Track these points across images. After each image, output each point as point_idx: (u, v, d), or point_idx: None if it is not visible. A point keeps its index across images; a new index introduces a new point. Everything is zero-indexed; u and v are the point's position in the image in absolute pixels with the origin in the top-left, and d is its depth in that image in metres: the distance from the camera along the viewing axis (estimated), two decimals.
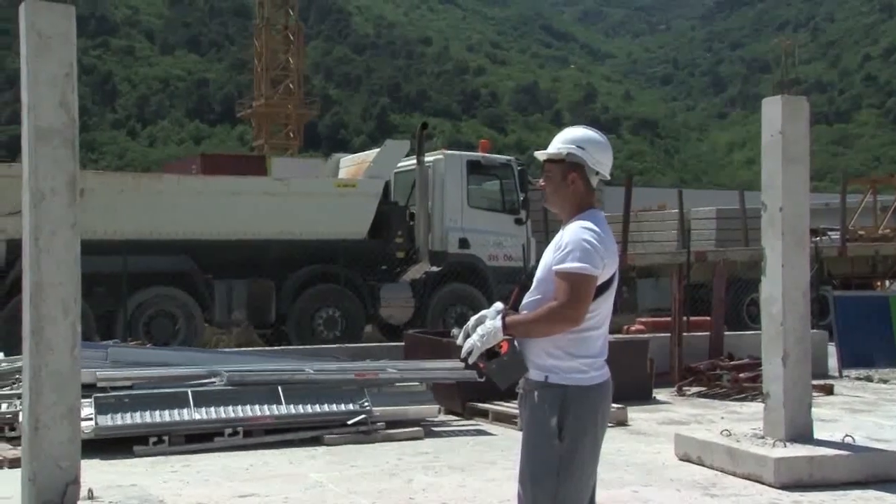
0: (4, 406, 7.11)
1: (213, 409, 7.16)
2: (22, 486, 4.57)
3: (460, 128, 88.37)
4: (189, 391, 7.20)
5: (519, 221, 14.63)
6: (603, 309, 3.12)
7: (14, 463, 5.91)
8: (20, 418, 6.49)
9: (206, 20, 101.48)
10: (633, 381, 9.03)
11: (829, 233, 18.83)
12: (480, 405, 8.29)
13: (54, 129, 4.65)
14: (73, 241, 4.67)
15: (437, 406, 7.98)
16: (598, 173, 3.20)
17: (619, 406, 7.76)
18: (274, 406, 7.30)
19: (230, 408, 7.21)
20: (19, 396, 6.71)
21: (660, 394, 9.81)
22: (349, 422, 7.33)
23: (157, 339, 11.94)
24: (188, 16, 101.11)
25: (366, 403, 7.46)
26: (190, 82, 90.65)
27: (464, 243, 14.32)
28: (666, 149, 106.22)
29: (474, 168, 14.68)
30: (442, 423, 8.05)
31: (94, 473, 5.51)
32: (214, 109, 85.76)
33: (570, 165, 3.17)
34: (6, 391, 7.20)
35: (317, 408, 7.40)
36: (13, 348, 7.71)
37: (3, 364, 7.58)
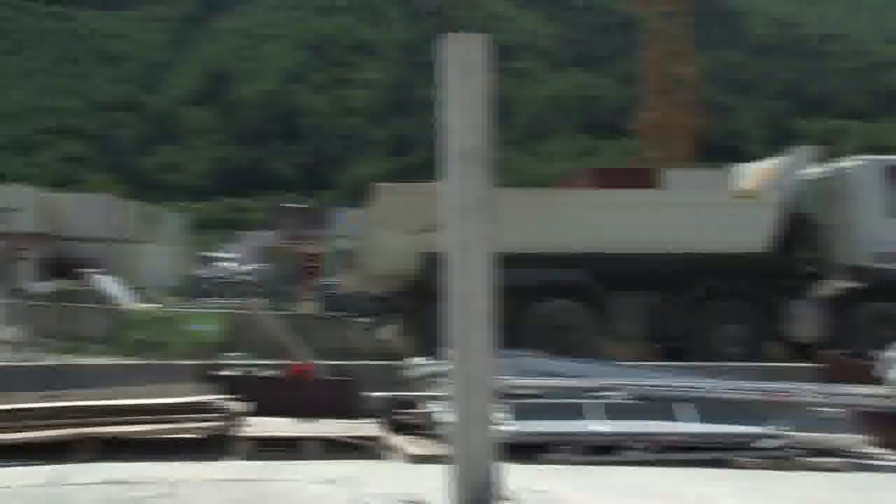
0: (429, 407, 7.72)
1: (615, 421, 7.16)
2: (448, 482, 4.90)
3: (878, 130, 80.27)
4: (593, 403, 7.27)
5: None
6: None
7: (436, 459, 6.33)
8: (439, 417, 7.03)
9: (594, 36, 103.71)
10: None
11: None
12: None
13: (472, 151, 4.95)
14: (489, 254, 4.94)
15: (864, 436, 7.23)
16: None
17: None
18: (678, 423, 7.12)
19: (632, 422, 7.17)
20: (438, 398, 7.25)
21: None
22: (761, 445, 6.91)
23: (556, 351, 12.28)
24: (577, 33, 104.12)
25: (782, 427, 6.98)
26: (580, 98, 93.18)
27: (886, 257, 12.92)
28: None
29: None
30: (869, 456, 7.24)
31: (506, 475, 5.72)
32: (604, 124, 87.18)
33: None
34: (428, 392, 7.83)
35: (724, 428, 7.08)
36: (424, 354, 8.42)
37: (430, 367, 8.24)
